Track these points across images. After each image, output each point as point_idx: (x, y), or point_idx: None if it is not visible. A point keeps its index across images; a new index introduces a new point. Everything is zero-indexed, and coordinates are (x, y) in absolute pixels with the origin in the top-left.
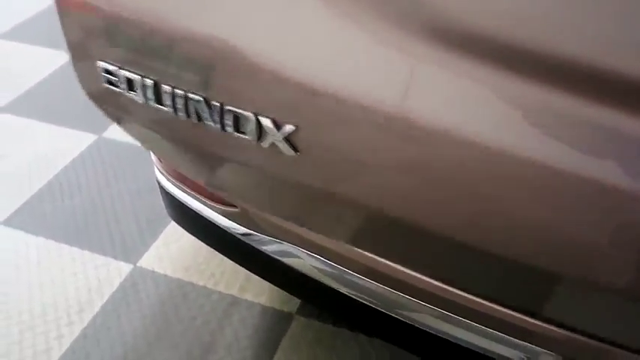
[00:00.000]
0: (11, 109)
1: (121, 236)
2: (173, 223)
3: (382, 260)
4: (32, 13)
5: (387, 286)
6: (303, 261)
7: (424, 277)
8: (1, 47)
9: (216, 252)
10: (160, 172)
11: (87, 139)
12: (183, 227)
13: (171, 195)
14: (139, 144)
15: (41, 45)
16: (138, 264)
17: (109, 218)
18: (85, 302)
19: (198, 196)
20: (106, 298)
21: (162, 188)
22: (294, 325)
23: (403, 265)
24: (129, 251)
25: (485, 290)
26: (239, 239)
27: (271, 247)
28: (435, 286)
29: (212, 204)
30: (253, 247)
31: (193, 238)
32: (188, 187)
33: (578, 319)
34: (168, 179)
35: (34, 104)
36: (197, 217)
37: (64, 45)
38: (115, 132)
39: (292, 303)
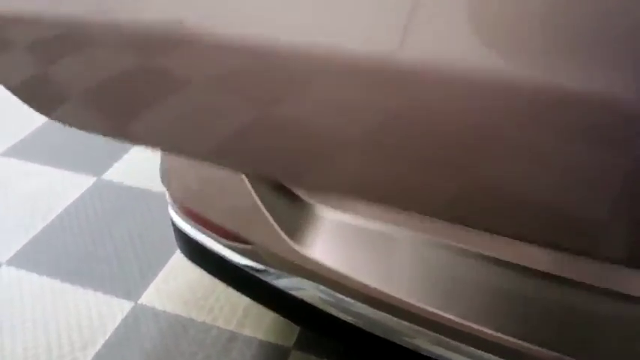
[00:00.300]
0: (13, 152)
1: (122, 274)
2: (172, 261)
3: (384, 290)
4: None
5: (389, 314)
6: (310, 292)
7: (422, 305)
8: (4, 93)
9: (215, 288)
10: (173, 209)
11: (87, 181)
12: (194, 263)
13: (183, 232)
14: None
15: None
16: (139, 301)
17: (109, 257)
18: (89, 339)
19: (210, 232)
20: (108, 334)
21: (174, 225)
22: None
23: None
24: (130, 289)
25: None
26: (250, 274)
27: (281, 281)
28: (433, 313)
29: (225, 241)
30: (262, 281)
31: (192, 274)
32: (201, 224)
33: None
34: (180, 216)
35: (35, 148)
36: (209, 253)
37: None
38: (114, 174)
39: (289, 338)
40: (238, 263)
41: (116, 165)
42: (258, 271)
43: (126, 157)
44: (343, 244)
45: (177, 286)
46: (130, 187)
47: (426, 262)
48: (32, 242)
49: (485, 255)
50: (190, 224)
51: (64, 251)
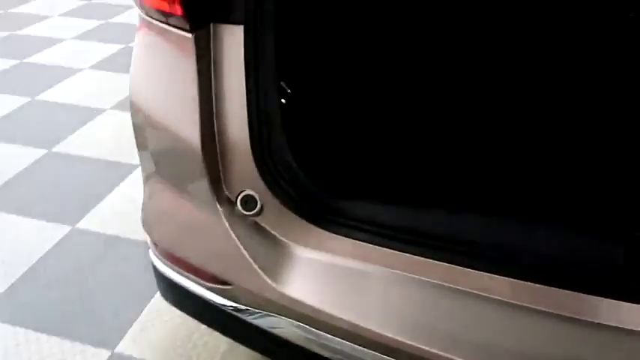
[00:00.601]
0: None
1: (98, 323)
2: (148, 309)
3: (361, 325)
4: (6, 112)
5: (366, 348)
6: (290, 329)
7: (399, 338)
8: None
9: (192, 334)
10: (154, 253)
11: (61, 230)
12: (175, 306)
13: (164, 275)
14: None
15: (15, 143)
16: (116, 350)
17: (85, 306)
18: None
19: (191, 275)
20: None
21: (155, 269)
22: None
23: None
24: (106, 337)
25: None
26: (231, 314)
27: (261, 319)
28: (410, 345)
29: (205, 282)
30: (243, 320)
31: (168, 321)
32: (181, 267)
33: None
34: (161, 260)
35: (8, 199)
36: (190, 296)
37: (38, 142)
38: (88, 223)
39: None
40: (219, 304)
41: (90, 214)
42: (238, 310)
43: (101, 205)
44: (320, 282)
45: (155, 333)
46: (106, 235)
47: (402, 296)
48: (6, 293)
49: (463, 290)
50: (171, 267)
51: (39, 302)
